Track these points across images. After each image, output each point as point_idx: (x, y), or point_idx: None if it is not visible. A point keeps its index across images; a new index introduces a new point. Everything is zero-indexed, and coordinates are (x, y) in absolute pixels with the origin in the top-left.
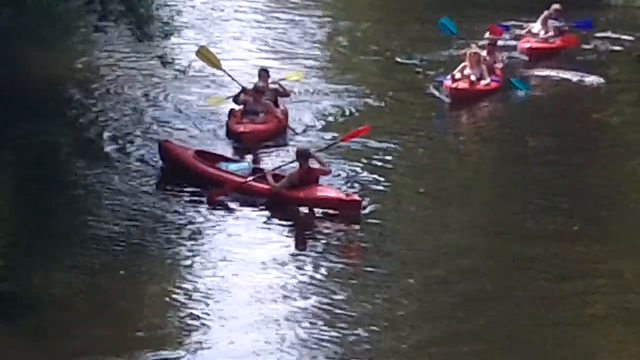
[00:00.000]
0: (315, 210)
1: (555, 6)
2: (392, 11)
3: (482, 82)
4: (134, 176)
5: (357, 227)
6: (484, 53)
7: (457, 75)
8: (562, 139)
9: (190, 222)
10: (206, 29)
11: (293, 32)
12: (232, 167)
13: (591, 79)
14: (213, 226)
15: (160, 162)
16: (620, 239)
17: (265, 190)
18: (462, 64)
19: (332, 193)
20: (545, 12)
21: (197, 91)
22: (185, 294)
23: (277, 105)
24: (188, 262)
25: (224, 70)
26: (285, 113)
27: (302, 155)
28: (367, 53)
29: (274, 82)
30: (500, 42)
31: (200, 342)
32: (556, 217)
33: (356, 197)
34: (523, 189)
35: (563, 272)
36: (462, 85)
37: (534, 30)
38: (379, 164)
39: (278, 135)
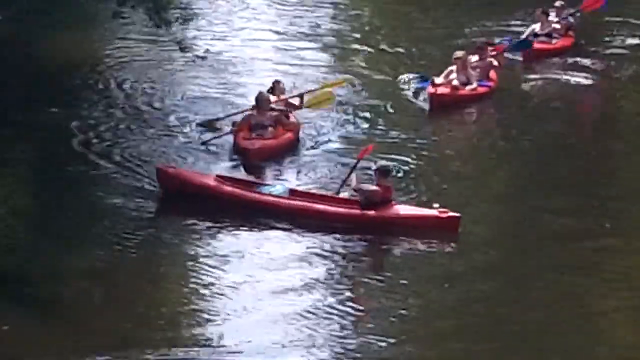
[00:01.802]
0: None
1: (557, 3)
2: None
3: (467, 87)
4: (151, 156)
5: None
6: (474, 57)
7: (438, 80)
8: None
9: (206, 220)
10: (224, 15)
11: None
12: (268, 190)
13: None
14: (229, 226)
15: (159, 188)
16: None
17: (337, 214)
18: (449, 69)
19: (424, 211)
20: (538, 11)
21: (213, 78)
22: (200, 290)
23: (288, 117)
24: (204, 259)
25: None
26: (297, 126)
27: (384, 173)
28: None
29: (300, 95)
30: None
31: (215, 338)
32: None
33: (454, 213)
34: (537, 188)
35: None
36: (443, 90)
37: (537, 30)
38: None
39: (289, 150)
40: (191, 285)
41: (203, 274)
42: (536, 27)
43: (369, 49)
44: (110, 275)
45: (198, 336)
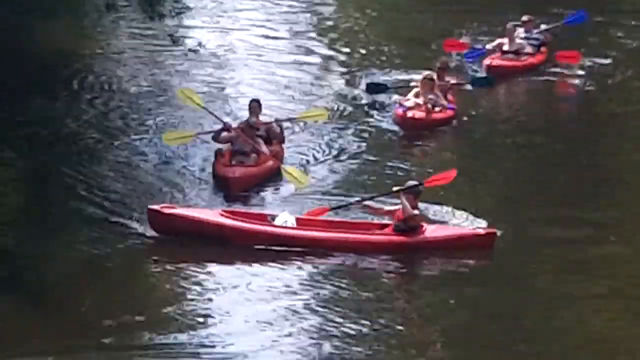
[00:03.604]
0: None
1: (525, 17)
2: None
3: (437, 109)
4: (144, 151)
5: None
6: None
7: (409, 103)
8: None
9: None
10: (217, 9)
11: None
12: (280, 221)
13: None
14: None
15: (151, 231)
16: None
17: (375, 242)
18: (414, 90)
19: (461, 230)
20: (509, 25)
21: (203, 75)
22: (197, 284)
23: (270, 143)
24: (202, 254)
25: (205, 109)
26: (280, 152)
27: (417, 193)
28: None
29: (277, 122)
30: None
31: (212, 333)
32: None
33: (491, 229)
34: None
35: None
36: (418, 114)
37: (505, 47)
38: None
39: (271, 178)
40: (181, 284)
41: (198, 272)
42: (504, 42)
43: (361, 50)
44: (100, 267)
45: (185, 333)
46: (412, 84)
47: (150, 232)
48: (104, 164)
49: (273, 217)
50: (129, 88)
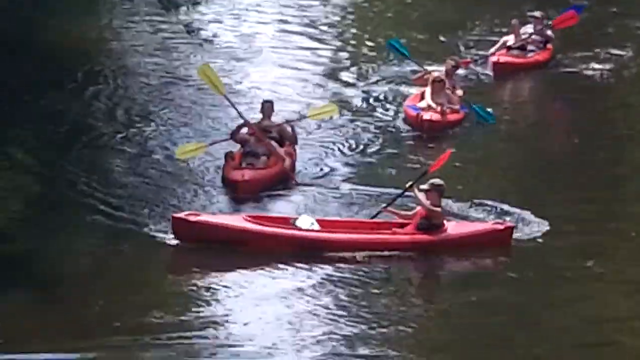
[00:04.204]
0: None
1: (537, 13)
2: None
3: (448, 110)
4: (156, 144)
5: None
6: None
7: (421, 104)
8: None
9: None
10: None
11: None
12: (301, 223)
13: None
14: None
15: (174, 239)
16: None
17: (399, 242)
18: (423, 90)
19: (480, 226)
20: (515, 21)
21: (217, 66)
22: (212, 283)
23: (282, 144)
24: (218, 254)
25: (225, 97)
26: (292, 155)
27: (441, 191)
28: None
29: (287, 122)
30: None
31: (229, 333)
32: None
33: (508, 222)
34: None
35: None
36: (434, 116)
37: (509, 43)
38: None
39: (281, 181)
40: (196, 283)
41: (213, 271)
42: (509, 38)
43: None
44: (111, 260)
45: (196, 329)
46: (432, 71)
47: (169, 237)
48: (117, 159)
49: (294, 220)
50: (143, 80)
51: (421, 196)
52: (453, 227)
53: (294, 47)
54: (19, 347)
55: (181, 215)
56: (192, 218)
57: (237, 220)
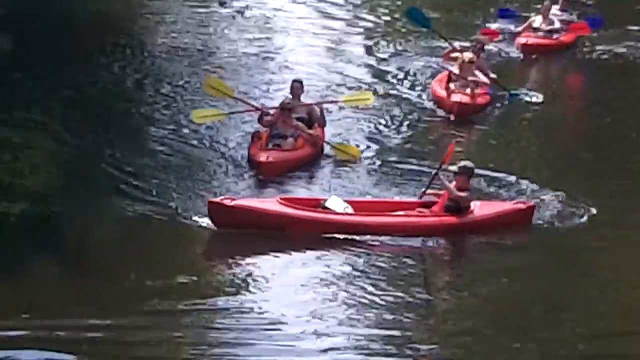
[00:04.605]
0: None
1: None
2: None
3: (479, 92)
4: (188, 117)
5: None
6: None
7: (453, 87)
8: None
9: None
10: None
11: None
12: (331, 204)
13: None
14: None
15: (212, 224)
16: None
17: (431, 225)
18: (449, 70)
19: (503, 205)
20: (547, 2)
21: (248, 39)
22: (241, 251)
23: (311, 125)
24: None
25: (236, 98)
26: (319, 138)
27: (471, 173)
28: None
29: (318, 104)
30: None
31: (253, 300)
32: None
33: (530, 202)
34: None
35: None
36: (464, 98)
37: (535, 24)
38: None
39: (308, 163)
40: (225, 251)
41: (243, 241)
42: (536, 19)
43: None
44: (140, 228)
45: (229, 312)
46: (462, 49)
47: (201, 218)
48: (149, 132)
49: (324, 201)
50: (177, 53)
51: (446, 184)
52: (478, 208)
53: (326, 20)
54: (48, 316)
55: (218, 200)
56: (229, 203)
57: (273, 204)
